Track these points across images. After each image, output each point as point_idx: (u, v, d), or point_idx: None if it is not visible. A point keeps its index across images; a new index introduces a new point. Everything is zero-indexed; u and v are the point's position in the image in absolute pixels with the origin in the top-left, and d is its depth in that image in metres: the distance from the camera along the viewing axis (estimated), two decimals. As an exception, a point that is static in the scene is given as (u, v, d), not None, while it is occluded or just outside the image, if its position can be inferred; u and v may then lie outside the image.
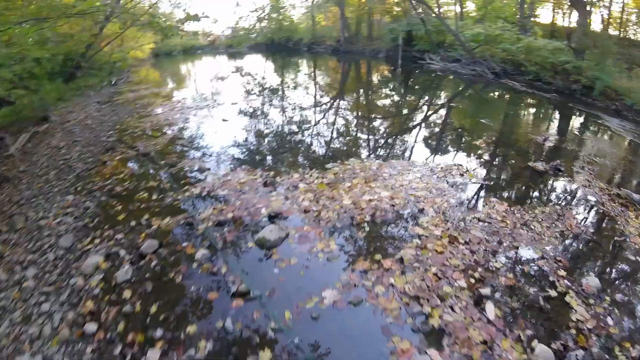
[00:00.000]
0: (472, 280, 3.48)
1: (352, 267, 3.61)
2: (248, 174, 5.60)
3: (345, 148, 7.13)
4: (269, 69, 20.21)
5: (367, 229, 4.24)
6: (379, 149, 7.15)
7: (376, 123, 9.13)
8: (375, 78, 17.25)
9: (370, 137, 7.94)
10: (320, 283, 3.38)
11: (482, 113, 10.77)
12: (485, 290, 3.34)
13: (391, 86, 14.54)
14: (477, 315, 3.09)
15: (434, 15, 18.25)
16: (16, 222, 4.75)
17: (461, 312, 3.11)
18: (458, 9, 20.50)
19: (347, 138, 7.81)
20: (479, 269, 3.66)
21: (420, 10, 19.91)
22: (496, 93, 13.45)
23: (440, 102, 12.12)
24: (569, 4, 13.92)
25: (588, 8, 13.53)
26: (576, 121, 10.58)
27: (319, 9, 28.34)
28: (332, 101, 11.42)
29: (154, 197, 5.01)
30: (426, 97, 12.53)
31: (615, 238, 4.56)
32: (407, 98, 12.28)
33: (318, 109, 10.16)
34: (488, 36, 15.64)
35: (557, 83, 12.75)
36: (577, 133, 9.25)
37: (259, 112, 9.69)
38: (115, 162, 6.48)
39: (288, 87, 14.01)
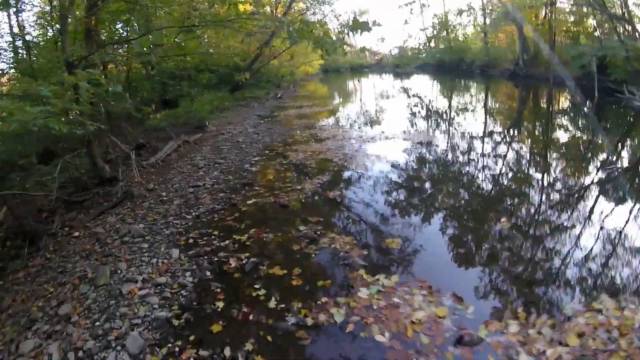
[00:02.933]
0: None
1: None
2: (428, 297, 2.91)
3: (607, 263, 3.38)
4: (439, 93, 17.45)
5: None
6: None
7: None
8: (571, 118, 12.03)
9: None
10: None
11: None
12: None
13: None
14: None
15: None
16: (101, 273, 3.53)
17: None
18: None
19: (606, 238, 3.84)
20: None
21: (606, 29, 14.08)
22: None
23: None
24: None
25: None
26: None
27: (493, 28, 23.94)
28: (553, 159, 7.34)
29: (272, 302, 2.95)
30: None
31: None
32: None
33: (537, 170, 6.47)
34: None
35: None
36: None
37: (442, 161, 6.79)
38: (246, 209, 4.91)
39: (474, 120, 10.87)
